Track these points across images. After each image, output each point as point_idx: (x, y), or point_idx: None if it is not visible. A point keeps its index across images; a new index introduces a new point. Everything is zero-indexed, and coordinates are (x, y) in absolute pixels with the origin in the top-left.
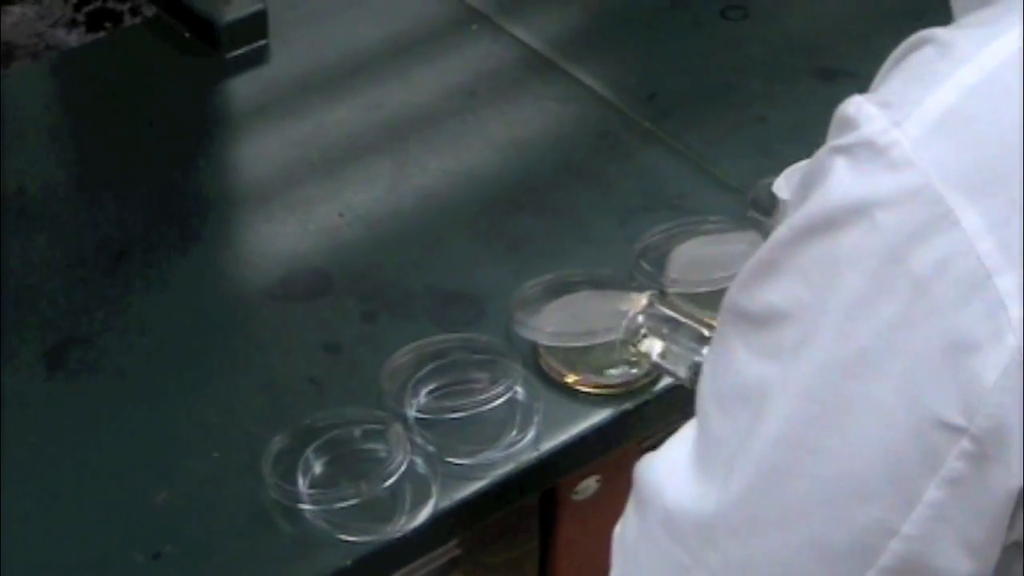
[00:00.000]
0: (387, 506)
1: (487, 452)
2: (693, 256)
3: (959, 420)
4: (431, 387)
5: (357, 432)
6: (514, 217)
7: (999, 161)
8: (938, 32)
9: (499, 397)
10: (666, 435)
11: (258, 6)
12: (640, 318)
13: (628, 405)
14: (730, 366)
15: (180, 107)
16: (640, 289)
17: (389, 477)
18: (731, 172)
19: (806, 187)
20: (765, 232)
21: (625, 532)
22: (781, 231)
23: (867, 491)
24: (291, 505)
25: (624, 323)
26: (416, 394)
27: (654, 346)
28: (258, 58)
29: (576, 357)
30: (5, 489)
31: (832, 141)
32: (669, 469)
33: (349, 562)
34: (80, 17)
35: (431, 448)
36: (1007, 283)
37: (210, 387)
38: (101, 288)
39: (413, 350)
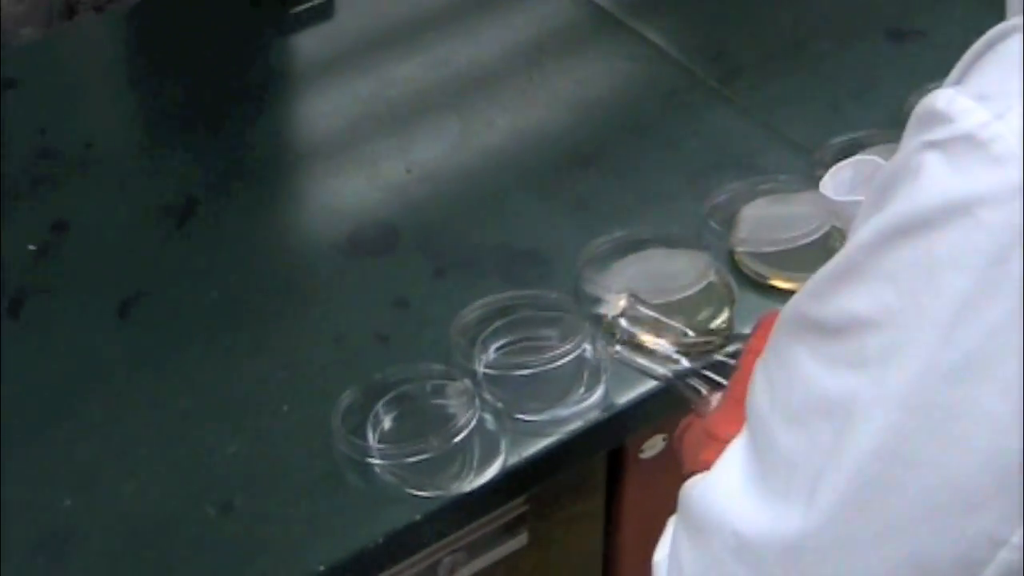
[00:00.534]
0: (456, 462)
1: (555, 409)
2: (761, 216)
3: None
4: (500, 343)
5: (427, 388)
6: (581, 175)
7: None
8: None
9: (567, 354)
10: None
11: None
12: (623, 321)
13: (696, 364)
14: (796, 380)
15: (246, 62)
16: (709, 248)
17: (458, 433)
18: (800, 132)
19: (888, 187)
20: None
21: (682, 564)
22: (861, 235)
23: (975, 501)
24: (360, 460)
25: (602, 325)
26: (485, 350)
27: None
28: (324, 13)
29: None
30: (77, 442)
31: (920, 136)
32: (728, 493)
33: (418, 516)
34: None
35: (500, 404)
36: None
37: (279, 342)
38: (170, 242)
39: (482, 307)
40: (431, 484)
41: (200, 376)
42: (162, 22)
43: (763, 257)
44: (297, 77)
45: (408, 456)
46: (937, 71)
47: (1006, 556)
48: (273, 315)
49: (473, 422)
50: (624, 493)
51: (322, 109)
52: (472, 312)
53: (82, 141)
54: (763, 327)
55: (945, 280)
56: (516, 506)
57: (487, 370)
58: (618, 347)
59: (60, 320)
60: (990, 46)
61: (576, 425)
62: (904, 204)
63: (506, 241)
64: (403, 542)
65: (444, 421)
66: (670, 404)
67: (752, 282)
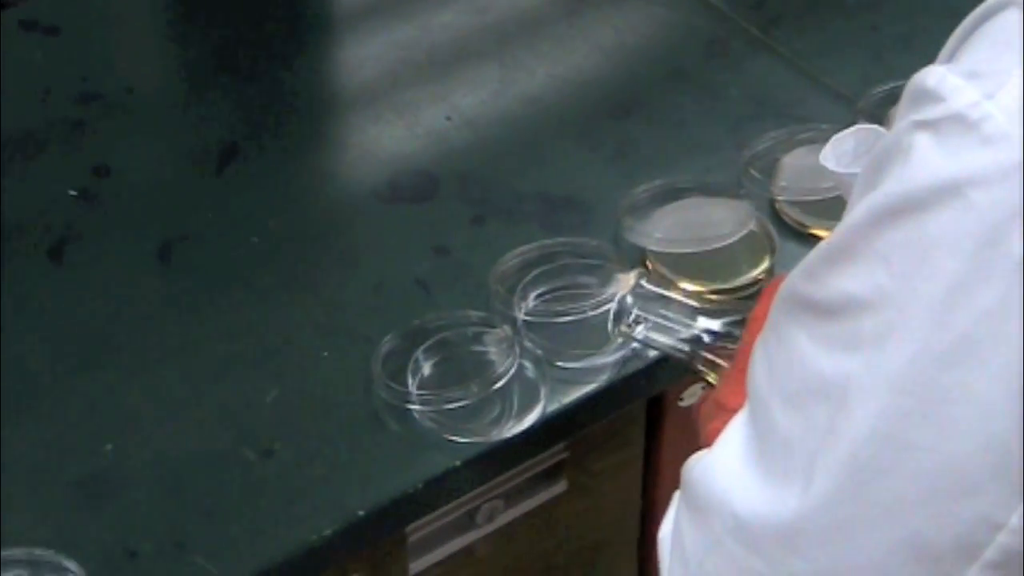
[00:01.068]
0: (495, 408)
1: (595, 357)
2: (802, 165)
3: None
4: (539, 291)
5: (467, 334)
6: (621, 123)
7: None
8: None
9: (608, 302)
10: None
11: None
12: (629, 298)
13: (735, 317)
14: (793, 360)
15: (287, 8)
16: (749, 197)
17: (498, 379)
18: (841, 80)
19: (881, 166)
20: None
21: (684, 542)
22: (854, 214)
23: (970, 485)
24: (400, 405)
25: (613, 305)
26: (524, 297)
27: (645, 325)
28: None
29: (684, 263)
30: (118, 386)
31: (910, 115)
32: (728, 473)
33: (457, 463)
34: None
35: (539, 352)
36: None
37: (319, 287)
38: (210, 188)
39: (521, 254)
40: (470, 430)
41: (240, 321)
42: None
43: (804, 206)
44: (338, 23)
45: (448, 402)
46: None
47: (1004, 539)
48: (313, 261)
49: (513, 369)
50: (663, 441)
51: (362, 55)
52: (512, 259)
53: (123, 86)
54: (766, 294)
55: (937, 262)
56: (555, 453)
57: (527, 317)
58: (637, 327)
59: (101, 264)
60: (982, 22)
61: (615, 373)
62: (896, 185)
63: (546, 189)
64: (442, 488)
65: (484, 368)
66: None
67: (793, 231)
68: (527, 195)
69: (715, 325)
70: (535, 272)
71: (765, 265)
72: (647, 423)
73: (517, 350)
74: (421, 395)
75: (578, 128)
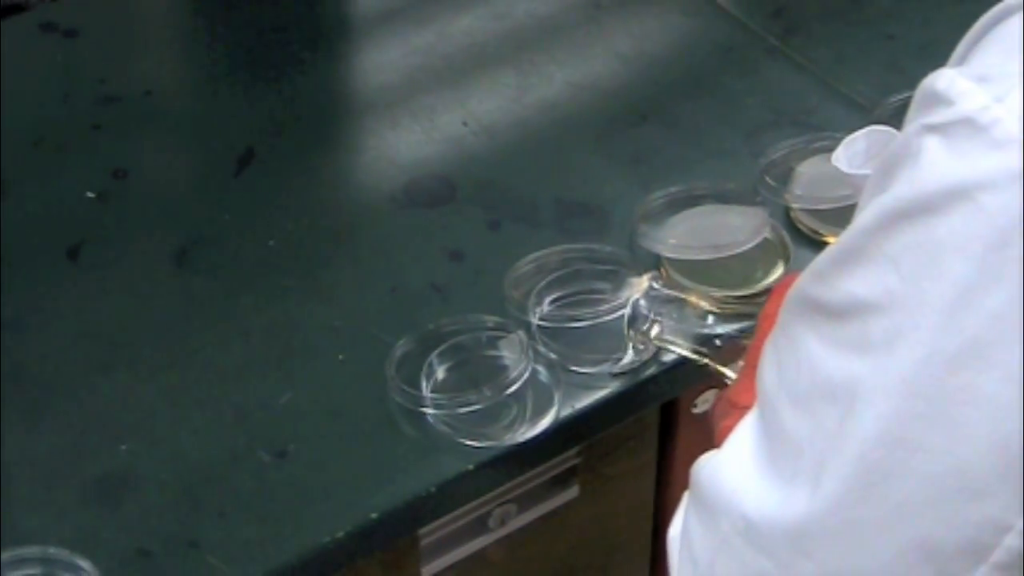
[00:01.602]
0: (509, 413)
1: (609, 362)
2: (818, 173)
3: None
4: (554, 296)
5: (481, 338)
6: (638, 130)
7: None
8: None
9: (622, 307)
10: None
11: None
12: (643, 303)
13: (749, 322)
14: (802, 362)
15: (305, 11)
16: (765, 204)
17: (512, 384)
18: (858, 89)
19: (890, 169)
20: None
21: (693, 542)
22: (864, 217)
23: (979, 488)
24: (414, 409)
25: (627, 310)
26: (539, 302)
27: (657, 328)
28: None
29: (699, 269)
30: (134, 387)
31: (920, 119)
32: (737, 473)
33: (471, 466)
34: None
35: (553, 356)
36: None
37: (334, 290)
38: (227, 190)
39: (537, 259)
40: (484, 434)
41: (256, 323)
42: None
43: (819, 214)
44: (356, 27)
45: (461, 406)
46: None
47: (1012, 542)
48: (329, 264)
49: (527, 373)
50: (676, 447)
51: (380, 60)
52: (527, 264)
53: (141, 89)
54: (777, 292)
55: (946, 265)
56: (568, 458)
57: (541, 322)
58: (653, 330)
59: (118, 266)
60: (993, 26)
61: (630, 378)
62: (905, 188)
63: (561, 194)
64: (455, 492)
65: (498, 372)
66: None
67: (807, 239)
68: (543, 201)
69: (729, 330)
70: (550, 277)
71: (779, 273)
72: (660, 428)
73: (531, 355)
74: (435, 399)
75: (595, 134)
